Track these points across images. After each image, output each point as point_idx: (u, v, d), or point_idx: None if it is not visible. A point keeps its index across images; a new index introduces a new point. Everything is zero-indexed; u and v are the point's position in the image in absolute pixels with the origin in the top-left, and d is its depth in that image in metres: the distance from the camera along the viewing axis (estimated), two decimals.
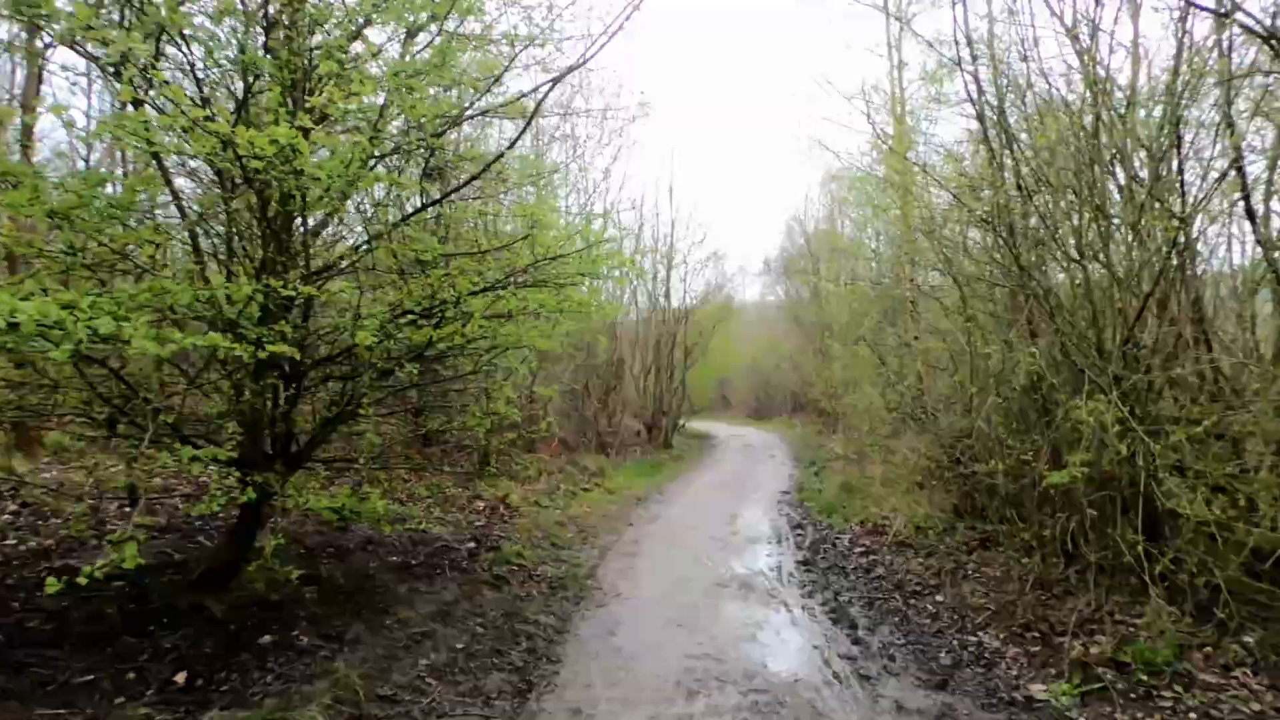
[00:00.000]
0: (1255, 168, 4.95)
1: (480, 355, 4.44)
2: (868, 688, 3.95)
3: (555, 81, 3.97)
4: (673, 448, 17.99)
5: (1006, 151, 5.86)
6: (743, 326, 29.66)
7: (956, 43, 5.78)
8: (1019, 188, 5.71)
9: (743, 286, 28.84)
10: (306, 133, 2.71)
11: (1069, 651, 3.92)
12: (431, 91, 4.21)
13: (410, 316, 4.23)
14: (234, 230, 3.94)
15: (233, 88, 4.01)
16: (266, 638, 3.99)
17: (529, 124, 4.24)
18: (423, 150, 4.75)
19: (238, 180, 3.57)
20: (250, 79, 3.41)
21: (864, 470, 10.16)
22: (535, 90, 4.42)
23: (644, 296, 19.06)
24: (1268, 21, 3.65)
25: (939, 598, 5.31)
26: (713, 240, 45.11)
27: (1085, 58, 5.58)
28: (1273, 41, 3.35)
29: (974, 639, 4.51)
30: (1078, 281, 5.38)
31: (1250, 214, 4.98)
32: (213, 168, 3.83)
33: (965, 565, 5.81)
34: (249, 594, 4.39)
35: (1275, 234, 5.01)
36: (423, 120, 3.81)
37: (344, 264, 4.34)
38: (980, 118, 5.98)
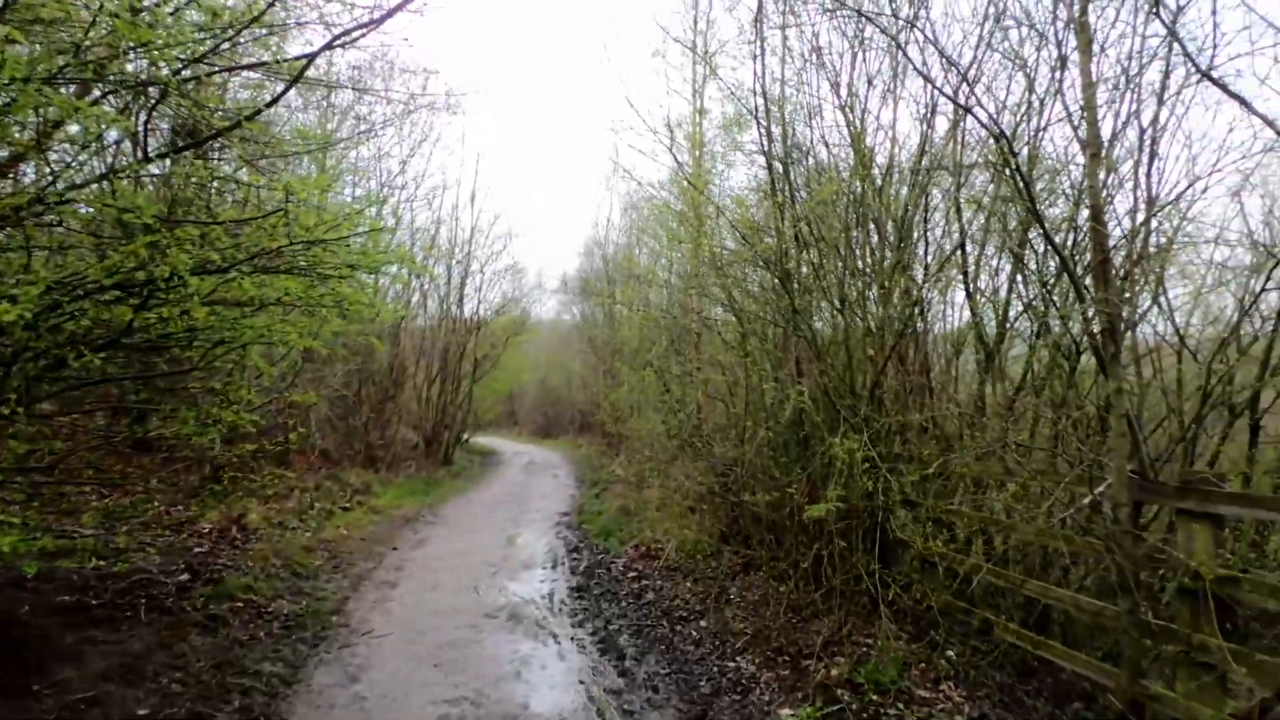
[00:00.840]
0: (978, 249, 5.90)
1: (208, 348, 3.61)
2: None
3: (333, 41, 3.40)
4: (453, 464, 17.04)
5: (789, 203, 6.36)
6: (537, 342, 29.40)
7: (755, 93, 6.17)
8: (796, 238, 6.22)
9: (540, 302, 28.49)
10: None
11: (814, 674, 4.17)
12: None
13: (113, 293, 3.32)
14: None
15: None
16: None
17: (296, 80, 3.59)
18: (154, 91, 3.84)
19: None
20: None
21: (642, 494, 10.36)
22: (316, 54, 3.82)
23: (435, 302, 18.00)
24: (997, 118, 4.35)
25: (703, 623, 5.44)
26: (513, 252, 44.49)
27: (854, 133, 6.30)
28: (1001, 137, 3.97)
29: (733, 664, 4.64)
30: (839, 329, 5.96)
31: (968, 287, 5.95)
32: None
33: (729, 590, 6.06)
34: None
35: (982, 304, 6.04)
36: (151, 48, 3.03)
37: (15, 215, 3.29)
38: (770, 169, 6.44)
